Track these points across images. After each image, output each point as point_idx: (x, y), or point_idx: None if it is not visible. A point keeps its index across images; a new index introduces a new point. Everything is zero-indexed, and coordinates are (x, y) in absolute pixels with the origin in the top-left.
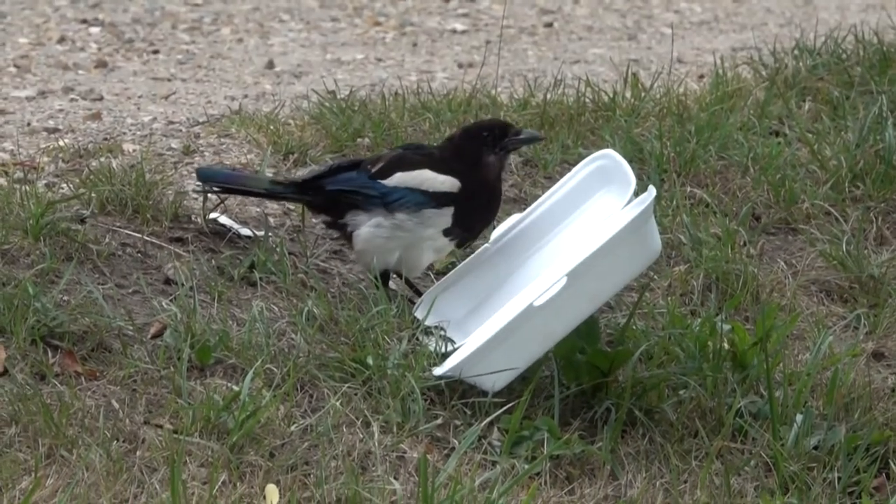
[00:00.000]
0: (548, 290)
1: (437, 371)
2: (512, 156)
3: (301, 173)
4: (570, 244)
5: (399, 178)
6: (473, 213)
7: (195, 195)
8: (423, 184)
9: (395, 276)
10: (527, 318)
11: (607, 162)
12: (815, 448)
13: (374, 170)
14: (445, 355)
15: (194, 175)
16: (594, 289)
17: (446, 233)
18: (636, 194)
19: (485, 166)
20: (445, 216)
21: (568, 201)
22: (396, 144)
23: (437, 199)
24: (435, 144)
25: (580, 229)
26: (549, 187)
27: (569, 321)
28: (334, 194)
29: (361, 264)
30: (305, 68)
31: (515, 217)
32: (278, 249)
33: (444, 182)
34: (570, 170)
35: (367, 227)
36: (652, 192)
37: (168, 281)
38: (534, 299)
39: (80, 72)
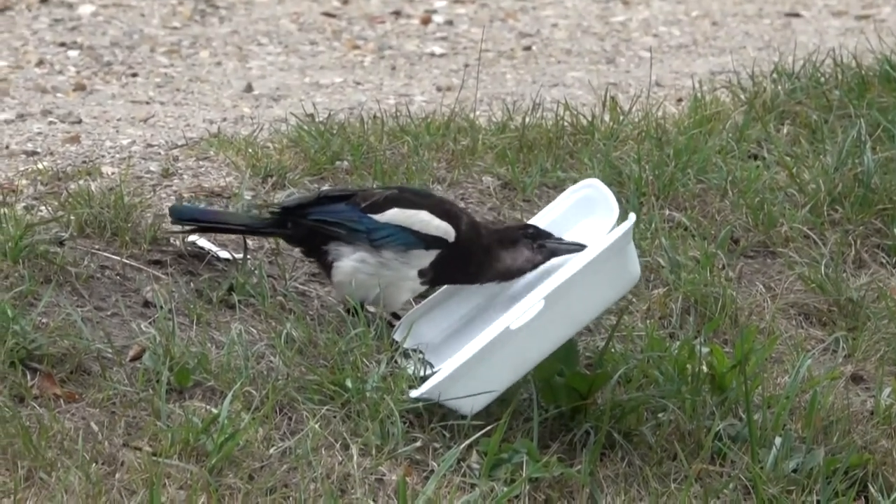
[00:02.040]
0: (525, 313)
1: (415, 393)
2: (490, 178)
3: (281, 201)
4: (550, 270)
5: (392, 215)
6: (454, 266)
7: (170, 231)
8: (415, 224)
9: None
10: (504, 341)
11: (592, 191)
12: (794, 471)
13: (364, 204)
14: (424, 378)
15: (173, 199)
16: (572, 313)
17: (420, 273)
18: (619, 223)
19: (515, 251)
20: (430, 257)
21: (551, 229)
22: (375, 168)
23: (427, 242)
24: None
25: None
26: (527, 210)
27: (546, 345)
28: (316, 224)
29: (338, 296)
30: (284, 91)
31: None
32: (257, 272)
33: (439, 227)
34: (548, 193)
35: (350, 261)
36: (632, 217)
37: (147, 303)
38: (511, 323)
39: (59, 95)
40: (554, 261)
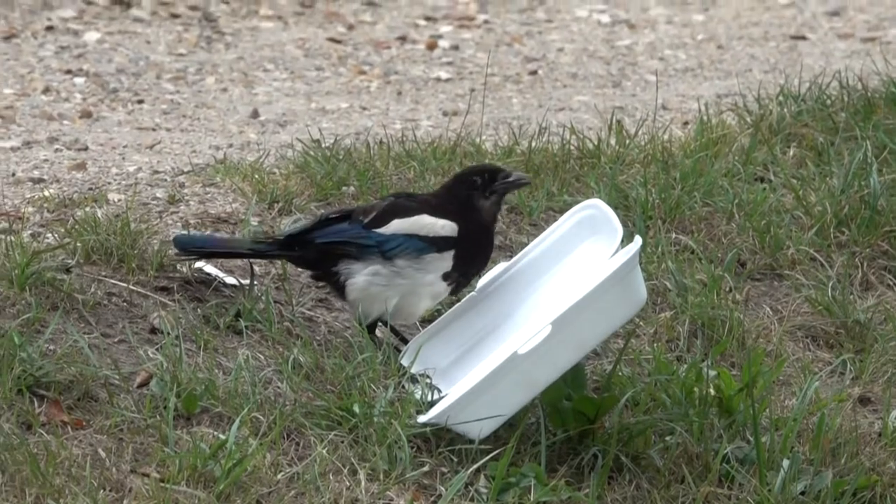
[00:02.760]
0: (532, 338)
1: (423, 418)
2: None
3: (285, 228)
4: (556, 293)
5: (397, 226)
6: (472, 257)
7: (177, 258)
8: (422, 229)
9: (380, 324)
10: (511, 366)
11: (595, 212)
12: (802, 493)
13: (367, 220)
14: (432, 403)
15: (179, 226)
16: (579, 337)
17: (445, 277)
18: (623, 243)
19: (479, 210)
20: (446, 260)
21: (555, 250)
22: (382, 193)
23: (437, 244)
24: (424, 192)
25: (566, 278)
26: (534, 234)
27: (554, 369)
28: (325, 246)
29: (354, 314)
30: (290, 117)
31: (502, 265)
32: (264, 298)
33: (444, 227)
34: (555, 217)
35: (363, 276)
36: (638, 241)
37: (154, 330)
38: (518, 347)
39: (65, 122)
40: (561, 284)
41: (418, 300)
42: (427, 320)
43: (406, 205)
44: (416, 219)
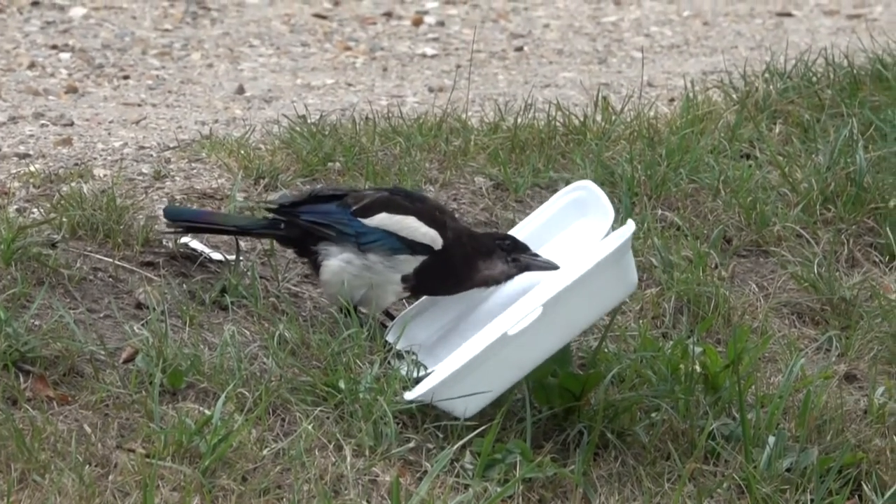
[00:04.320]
0: (522, 319)
1: (409, 396)
2: (482, 179)
3: (273, 198)
4: (544, 274)
5: (381, 220)
6: (436, 274)
7: (163, 232)
8: (403, 230)
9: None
10: (500, 346)
11: (585, 193)
12: (788, 470)
13: (356, 206)
14: (417, 379)
15: (165, 201)
16: (569, 319)
17: (403, 279)
18: (614, 225)
19: (487, 265)
20: (414, 263)
21: (544, 231)
22: (368, 169)
23: (413, 247)
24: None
25: (556, 259)
26: (520, 211)
27: (542, 350)
28: (308, 225)
29: (326, 295)
30: (276, 93)
31: None
32: (249, 273)
33: (426, 234)
34: (540, 193)
35: (337, 261)
36: (631, 225)
37: (139, 305)
38: (508, 328)
39: (51, 97)
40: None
41: (384, 294)
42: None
43: (400, 202)
44: (402, 218)
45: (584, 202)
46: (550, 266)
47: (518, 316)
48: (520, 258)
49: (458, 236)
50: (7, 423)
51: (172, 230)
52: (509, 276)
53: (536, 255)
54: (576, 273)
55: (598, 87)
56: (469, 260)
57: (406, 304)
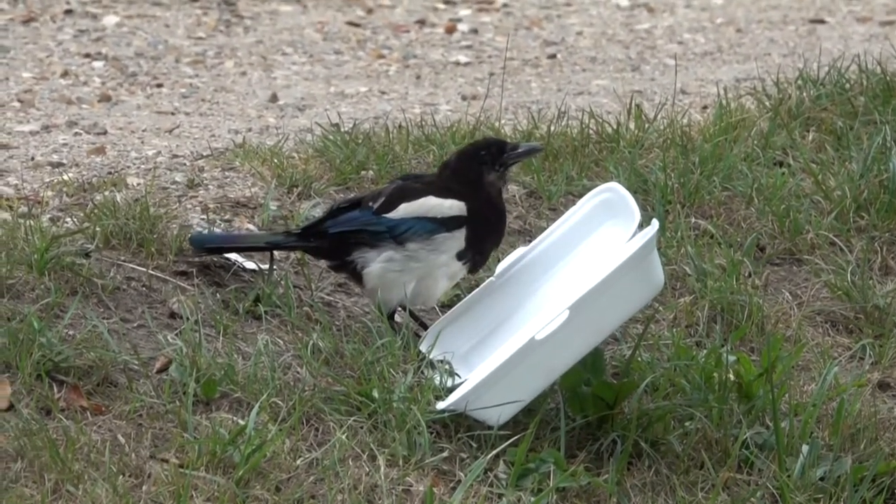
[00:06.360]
0: (550, 323)
1: (441, 405)
2: (515, 187)
3: (302, 217)
4: (574, 277)
5: (405, 209)
6: (483, 234)
7: (195, 258)
8: (430, 211)
9: (399, 309)
10: (529, 351)
11: (612, 195)
12: (822, 479)
13: (376, 206)
14: (451, 389)
15: (198, 209)
16: (596, 322)
17: (459, 256)
18: (641, 227)
19: (487, 186)
20: (458, 239)
21: (572, 234)
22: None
23: (447, 224)
24: (433, 172)
25: (584, 262)
26: (553, 219)
27: (571, 354)
28: (338, 236)
29: (373, 302)
30: (309, 101)
31: (521, 250)
32: (283, 283)
33: (452, 206)
34: (574, 201)
35: (378, 263)
36: (655, 225)
37: (173, 315)
38: (536, 333)
39: (84, 106)
40: (579, 268)
41: (435, 282)
42: (446, 305)
43: (412, 187)
44: (422, 201)
45: (611, 204)
46: (535, 149)
47: (545, 321)
48: (503, 160)
49: (465, 188)
50: (41, 434)
51: (200, 258)
52: (504, 183)
53: (515, 147)
54: (601, 275)
55: (631, 95)
56: (486, 199)
57: (439, 313)
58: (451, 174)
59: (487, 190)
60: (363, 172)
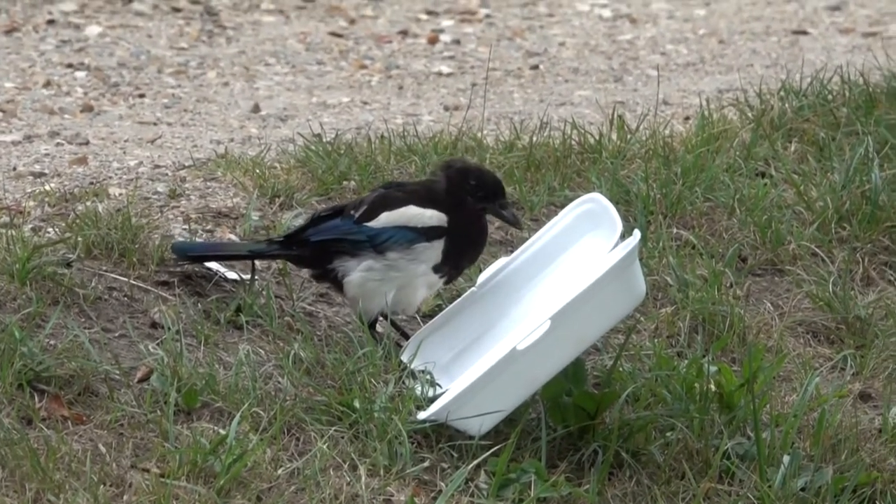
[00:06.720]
0: (531, 334)
1: (423, 415)
2: None
3: (285, 225)
4: (556, 288)
5: (386, 218)
6: (462, 247)
7: (172, 268)
8: (411, 220)
9: (381, 318)
10: (511, 361)
11: (594, 206)
12: (803, 489)
13: (357, 214)
14: (432, 399)
15: (180, 220)
16: (578, 332)
17: (436, 269)
18: (623, 237)
19: (467, 205)
20: (436, 249)
21: (555, 245)
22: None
23: (427, 234)
24: (416, 180)
25: (567, 273)
26: (535, 230)
27: (553, 365)
28: (319, 244)
29: (354, 311)
30: (291, 112)
31: (502, 260)
32: (264, 293)
33: (432, 217)
34: (556, 212)
35: (358, 273)
36: (637, 235)
37: (154, 325)
38: (517, 343)
39: (66, 116)
40: (561, 279)
41: (414, 291)
42: (428, 315)
43: (394, 196)
44: (403, 210)
45: (593, 214)
46: (516, 224)
47: (527, 331)
48: (487, 206)
49: (449, 200)
50: (22, 443)
51: (182, 265)
52: (481, 215)
53: (505, 205)
54: (582, 285)
55: (613, 106)
56: (466, 217)
57: (421, 323)
58: (438, 189)
59: (469, 208)
60: (345, 183)
